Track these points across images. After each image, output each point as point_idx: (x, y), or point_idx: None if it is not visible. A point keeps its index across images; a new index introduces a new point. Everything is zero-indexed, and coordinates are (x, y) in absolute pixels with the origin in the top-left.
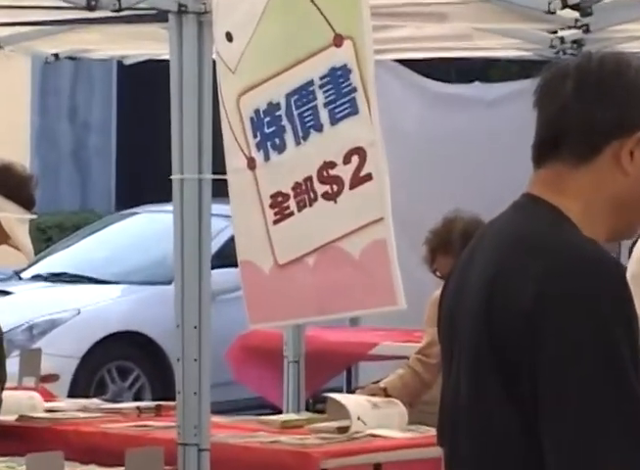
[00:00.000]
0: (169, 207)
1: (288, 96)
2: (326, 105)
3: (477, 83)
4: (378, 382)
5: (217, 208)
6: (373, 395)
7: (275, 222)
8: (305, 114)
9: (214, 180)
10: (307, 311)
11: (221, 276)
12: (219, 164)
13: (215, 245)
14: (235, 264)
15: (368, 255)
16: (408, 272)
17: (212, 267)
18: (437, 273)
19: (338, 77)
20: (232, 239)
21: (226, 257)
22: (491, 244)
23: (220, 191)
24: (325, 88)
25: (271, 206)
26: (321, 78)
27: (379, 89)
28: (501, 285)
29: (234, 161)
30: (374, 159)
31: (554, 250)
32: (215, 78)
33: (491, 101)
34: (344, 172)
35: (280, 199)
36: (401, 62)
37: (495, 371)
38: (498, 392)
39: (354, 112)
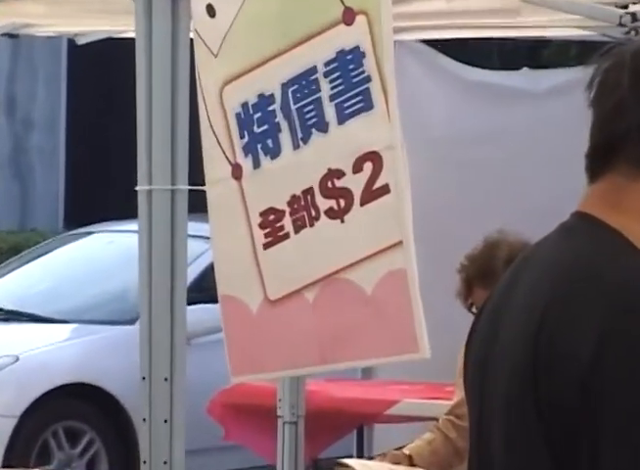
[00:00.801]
0: (134, 225)
1: (284, 86)
2: (332, 98)
3: (524, 70)
4: (401, 448)
5: (195, 227)
6: (396, 463)
7: (266, 246)
8: (306, 109)
9: (191, 192)
10: (307, 360)
11: (199, 314)
12: (197, 173)
13: (192, 274)
14: (215, 300)
15: (383, 289)
16: (435, 310)
17: (188, 303)
18: (474, 310)
19: (347, 63)
20: (212, 267)
21: (205, 289)
22: (537, 274)
23: (198, 206)
24: (331, 77)
25: (261, 225)
26: (326, 64)
27: (399, 78)
28: (552, 326)
29: (215, 168)
30: (392, 167)
31: (617, 283)
32: (193, 63)
33: (543, 93)
34: (355, 184)
35: (272, 217)
36: (428, 43)
37: (540, 429)
38: (539, 449)
39: (368, 107)
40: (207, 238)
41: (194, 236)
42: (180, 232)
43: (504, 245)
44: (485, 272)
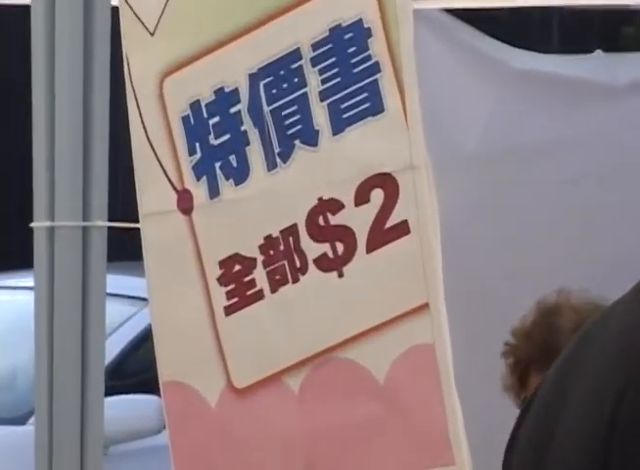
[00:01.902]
0: (27, 279)
1: (253, 78)
2: (324, 96)
3: (598, 53)
4: None
5: (117, 282)
6: None
7: (229, 311)
8: (286, 111)
9: (112, 232)
10: None
11: (121, 410)
12: (123, 204)
13: (113, 351)
14: (146, 388)
15: (402, 374)
16: (475, 402)
17: (107, 393)
18: None
19: (345, 44)
20: (143, 340)
21: (130, 374)
22: (612, 349)
23: (125, 252)
24: (322, 65)
25: (222, 280)
26: (315, 47)
27: (420, 65)
28: (632, 416)
29: (153, 196)
30: (413, 195)
31: None
32: (116, 44)
33: (624, 87)
34: (359, 220)
35: (238, 268)
36: (458, 15)
37: None
38: None
39: (376, 109)
40: (138, 299)
41: (115, 295)
42: (96, 289)
43: (567, 311)
44: (543, 351)
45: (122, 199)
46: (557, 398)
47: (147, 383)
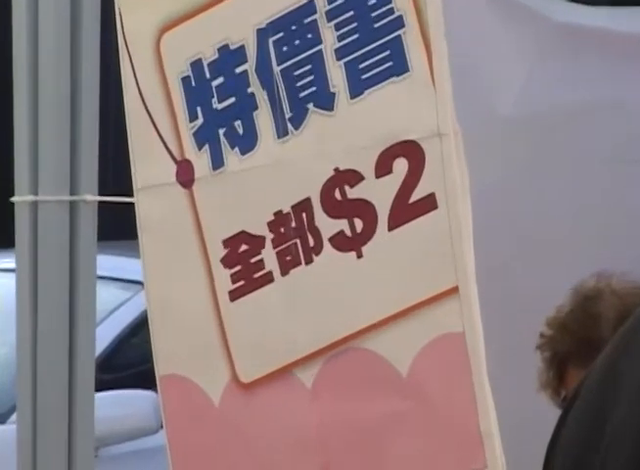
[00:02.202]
0: (8, 261)
1: (261, 34)
2: (341, 53)
3: None
4: None
5: (109, 263)
6: None
7: (234, 296)
8: (298, 71)
9: (104, 207)
10: None
11: (112, 408)
12: (115, 176)
13: (104, 340)
14: (145, 382)
15: (428, 366)
16: (505, 398)
17: (97, 388)
18: None
19: None
20: (141, 327)
21: (123, 366)
22: None
23: (118, 230)
24: (339, 18)
25: (227, 261)
26: None
27: (449, 18)
28: None
29: (149, 167)
30: (440, 165)
31: None
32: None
33: None
34: (380, 194)
35: (245, 247)
36: None
37: None
38: None
39: (399, 69)
40: (133, 282)
41: (107, 278)
42: (85, 271)
43: (608, 296)
44: (585, 344)
45: (114, 170)
46: (606, 393)
47: (142, 377)
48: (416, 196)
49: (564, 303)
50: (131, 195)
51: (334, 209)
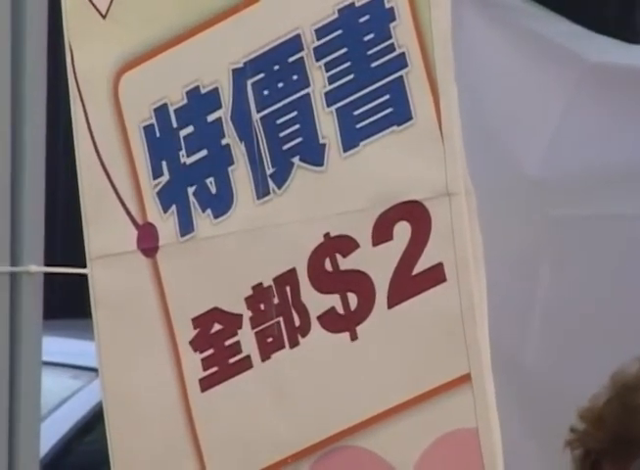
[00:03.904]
0: None
1: (237, 74)
2: (332, 98)
3: None
4: None
5: (59, 347)
6: None
7: (206, 385)
8: (282, 119)
9: (53, 281)
10: None
11: None
12: (68, 245)
13: (50, 439)
14: None
15: (434, 468)
16: None
17: None
18: None
19: (359, 29)
20: (95, 423)
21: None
22: None
23: (67, 308)
24: (329, 57)
25: (196, 344)
26: (319, 32)
27: (463, 61)
28: None
29: (105, 233)
30: (449, 230)
31: None
32: (58, 31)
33: None
34: (378, 264)
35: (218, 327)
36: None
37: None
38: None
39: (401, 117)
40: (85, 369)
41: (54, 364)
42: (28, 354)
43: None
44: (624, 441)
45: (64, 238)
46: None
47: None
48: (421, 267)
49: (600, 391)
50: (84, 265)
51: (323, 282)
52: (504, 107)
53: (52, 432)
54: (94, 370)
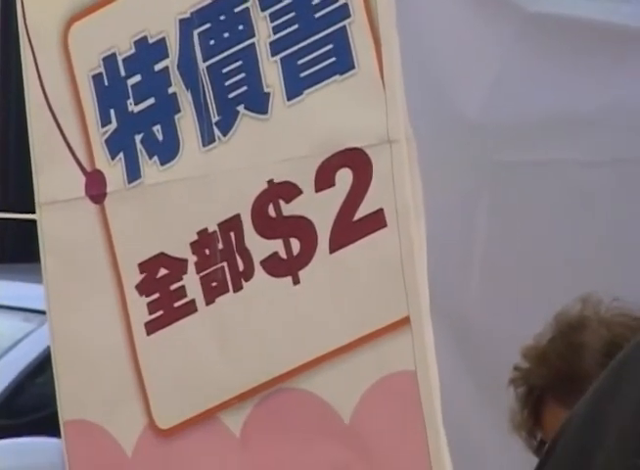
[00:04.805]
0: None
1: (184, 24)
2: (277, 48)
3: None
4: None
5: (9, 291)
6: None
7: (151, 329)
8: (227, 68)
9: (3, 225)
10: None
11: (12, 457)
12: (18, 190)
13: (1, 381)
14: (48, 429)
15: (373, 409)
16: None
17: None
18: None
19: None
20: (44, 365)
21: (26, 411)
22: None
23: (18, 253)
24: (274, 8)
25: (142, 288)
26: None
27: (405, 10)
28: None
29: (53, 179)
30: (390, 177)
31: None
32: None
33: None
34: (320, 210)
35: (164, 272)
36: None
37: None
38: None
39: (344, 66)
40: (36, 312)
41: (6, 307)
42: None
43: (595, 325)
44: (567, 378)
45: (14, 183)
46: (588, 441)
47: (47, 422)
48: (362, 212)
49: (543, 330)
50: (34, 210)
51: (267, 227)
52: (445, 54)
53: (4, 374)
54: (43, 313)
